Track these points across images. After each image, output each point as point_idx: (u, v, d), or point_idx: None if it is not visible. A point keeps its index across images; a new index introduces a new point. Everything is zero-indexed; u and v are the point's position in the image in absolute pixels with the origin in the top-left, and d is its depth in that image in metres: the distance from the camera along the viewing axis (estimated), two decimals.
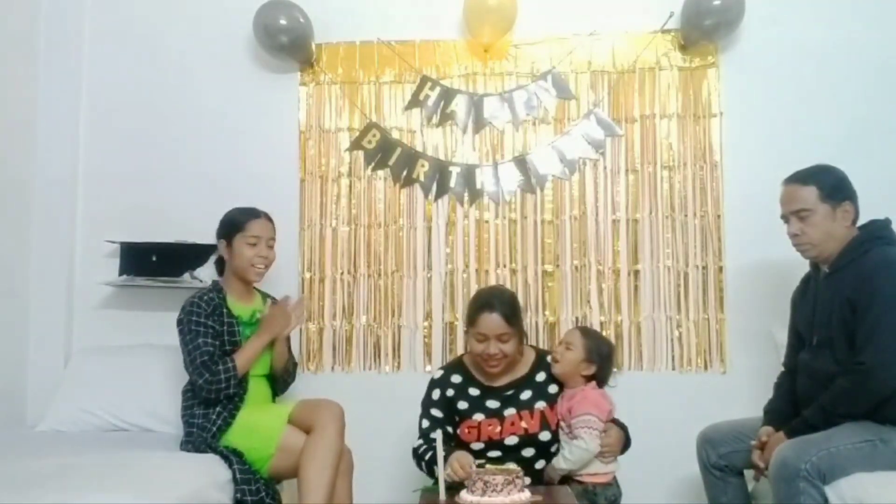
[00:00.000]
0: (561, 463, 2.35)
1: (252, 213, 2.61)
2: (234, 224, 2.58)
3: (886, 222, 2.31)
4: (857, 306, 2.17)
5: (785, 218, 2.35)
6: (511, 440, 2.42)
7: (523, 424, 2.43)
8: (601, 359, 2.45)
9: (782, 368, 2.51)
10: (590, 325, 3.03)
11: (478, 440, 2.43)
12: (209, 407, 2.43)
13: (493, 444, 2.43)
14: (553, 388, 2.50)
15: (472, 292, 3.01)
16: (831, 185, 2.28)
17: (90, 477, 2.01)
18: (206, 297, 2.51)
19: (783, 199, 2.35)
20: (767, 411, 2.43)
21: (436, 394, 2.54)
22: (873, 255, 2.21)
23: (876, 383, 2.11)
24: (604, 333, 2.98)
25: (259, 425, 2.41)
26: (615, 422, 2.46)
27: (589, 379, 2.44)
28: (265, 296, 2.72)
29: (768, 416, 2.40)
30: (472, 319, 2.46)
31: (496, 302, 2.44)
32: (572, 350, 2.44)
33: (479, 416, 2.45)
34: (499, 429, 2.43)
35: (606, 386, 2.49)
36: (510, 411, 2.45)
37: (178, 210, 3.19)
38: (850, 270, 2.23)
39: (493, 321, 2.41)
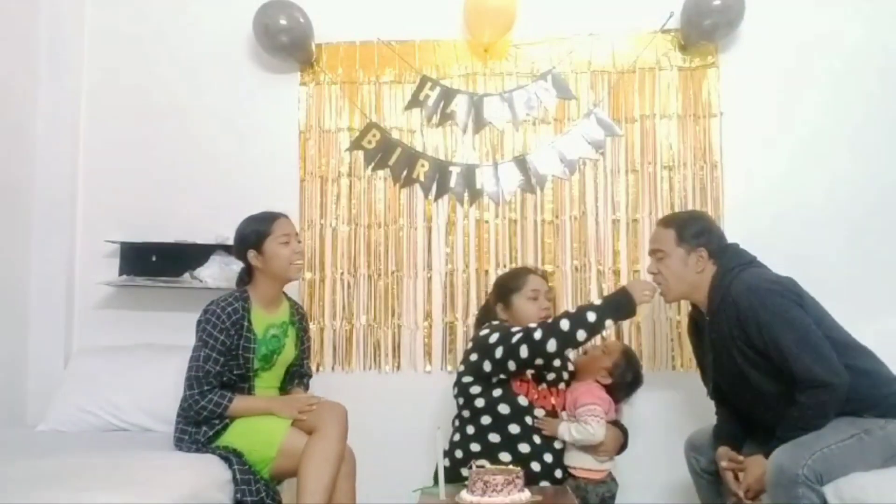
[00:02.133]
0: (565, 432, 2.40)
1: (272, 216, 2.54)
2: (259, 231, 2.49)
3: (734, 247, 2.37)
4: (755, 343, 2.19)
5: (651, 255, 2.45)
6: (539, 412, 2.47)
7: (552, 400, 2.51)
8: (621, 381, 2.53)
9: (712, 401, 2.50)
10: None
11: (526, 395, 2.47)
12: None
13: (529, 407, 2.46)
14: (565, 375, 2.58)
15: (473, 292, 3.04)
16: (689, 231, 2.36)
17: (90, 477, 2.01)
18: (229, 308, 2.42)
19: (650, 238, 2.49)
20: (718, 433, 2.41)
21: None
22: (735, 287, 2.24)
23: (837, 390, 2.11)
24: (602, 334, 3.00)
25: (261, 427, 2.40)
26: (615, 423, 2.50)
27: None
28: (293, 303, 2.67)
29: (720, 438, 2.39)
30: (519, 284, 2.62)
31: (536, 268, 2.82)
32: (605, 355, 2.54)
33: (527, 376, 2.49)
34: (536, 395, 2.49)
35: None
36: (542, 385, 2.52)
37: (178, 210, 3.19)
38: (725, 312, 2.25)
39: (540, 280, 2.65)
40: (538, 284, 2.61)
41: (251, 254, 2.50)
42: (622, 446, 2.50)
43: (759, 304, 2.18)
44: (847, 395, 2.12)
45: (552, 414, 2.49)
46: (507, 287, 2.65)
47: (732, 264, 2.30)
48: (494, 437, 2.43)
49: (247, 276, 2.56)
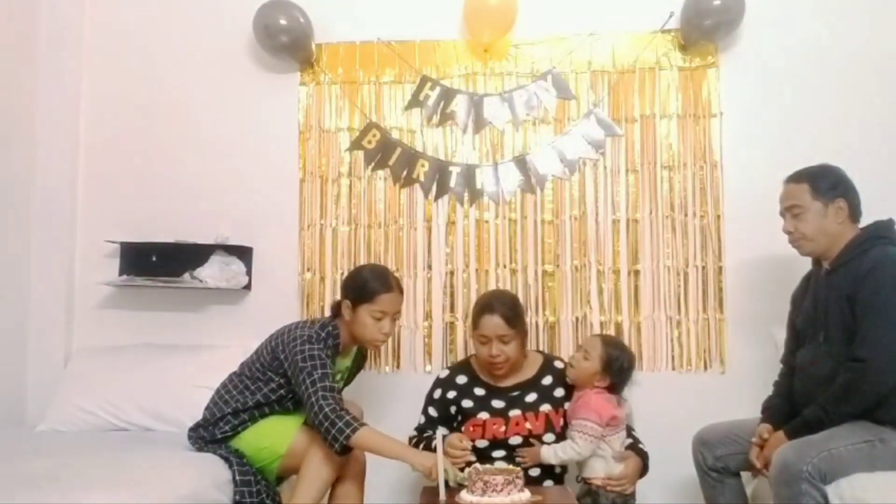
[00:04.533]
0: (550, 456, 2.37)
1: (385, 285, 2.42)
2: (363, 292, 2.40)
3: (889, 223, 2.32)
4: (857, 303, 2.18)
5: (782, 215, 2.40)
6: (515, 440, 2.46)
7: (528, 425, 2.48)
8: (618, 373, 2.44)
9: (781, 366, 2.52)
10: (589, 326, 3.03)
11: (482, 438, 2.47)
12: (240, 412, 2.40)
13: (497, 443, 2.47)
14: (559, 392, 2.54)
15: (473, 292, 3.05)
16: (824, 184, 2.32)
17: (90, 477, 2.01)
18: (327, 343, 2.36)
19: (780, 196, 2.41)
20: (766, 408, 2.44)
21: (437, 393, 2.60)
22: (873, 254, 2.22)
23: (875, 381, 2.11)
24: (602, 333, 2.98)
25: (274, 425, 2.41)
26: (635, 449, 2.45)
27: (599, 387, 2.45)
28: (361, 348, 2.65)
29: (766, 413, 2.41)
30: (474, 322, 2.53)
31: (496, 304, 2.50)
32: (589, 360, 2.43)
33: (483, 415, 2.50)
34: (503, 428, 2.47)
35: (619, 395, 2.48)
36: (515, 412, 2.49)
37: (178, 210, 3.19)
38: (849, 268, 2.24)
39: (493, 323, 2.46)
40: (489, 330, 2.46)
41: (345, 303, 2.44)
42: (642, 473, 2.45)
43: (885, 275, 2.16)
44: (880, 397, 2.11)
45: (532, 439, 2.45)
46: (472, 319, 2.58)
47: (881, 234, 2.27)
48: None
49: (336, 310, 2.51)
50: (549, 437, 2.46)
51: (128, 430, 2.80)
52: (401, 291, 2.50)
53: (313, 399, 2.24)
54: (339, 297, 2.55)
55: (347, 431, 2.20)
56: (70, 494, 1.85)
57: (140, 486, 1.98)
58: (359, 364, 2.69)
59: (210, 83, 3.25)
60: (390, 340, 3.09)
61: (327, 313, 3.08)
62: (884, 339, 2.12)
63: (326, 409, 2.22)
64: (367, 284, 2.42)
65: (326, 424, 2.21)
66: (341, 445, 2.21)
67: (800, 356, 2.37)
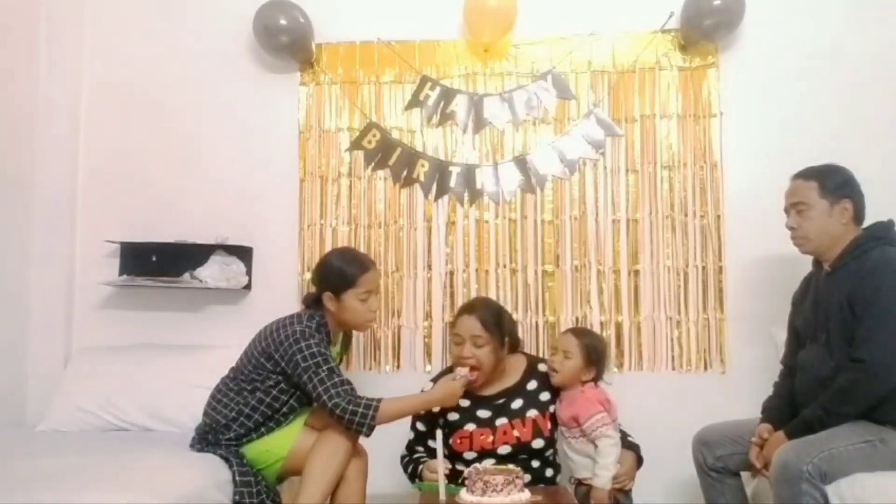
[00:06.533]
0: (604, 474, 2.31)
1: (362, 266, 2.44)
2: (344, 279, 2.41)
3: (889, 224, 2.32)
4: (857, 304, 2.18)
5: (786, 211, 2.40)
6: (504, 449, 2.44)
7: (515, 433, 2.45)
8: (600, 359, 2.46)
9: (781, 367, 2.52)
10: (590, 326, 3.02)
11: (470, 450, 2.45)
12: (243, 417, 2.38)
13: (486, 453, 2.44)
14: (545, 396, 2.52)
15: (473, 292, 3.06)
16: (832, 183, 2.32)
17: (90, 477, 2.01)
18: (320, 335, 2.38)
19: (787, 192, 2.41)
20: (766, 408, 2.44)
21: None
22: (874, 255, 2.23)
23: (875, 381, 2.11)
24: (602, 333, 2.99)
25: (277, 430, 2.41)
26: (626, 443, 2.44)
27: (587, 381, 2.45)
28: (346, 336, 2.65)
29: (766, 413, 2.41)
30: (453, 321, 2.55)
31: (478, 306, 2.52)
32: (571, 358, 2.43)
33: (470, 427, 2.47)
34: (491, 438, 2.45)
35: (602, 382, 2.49)
36: (502, 420, 2.46)
37: (178, 210, 3.19)
38: (850, 269, 2.25)
39: (469, 323, 2.46)
40: (464, 330, 2.46)
41: (327, 296, 2.43)
42: (638, 465, 2.45)
43: (886, 276, 2.16)
44: (880, 398, 2.12)
45: (521, 446, 2.43)
46: (453, 319, 2.60)
47: (881, 235, 2.27)
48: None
49: (316, 304, 2.48)
50: (537, 442, 2.44)
51: (128, 430, 2.80)
52: (375, 266, 2.54)
53: (325, 397, 2.28)
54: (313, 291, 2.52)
55: (370, 414, 2.27)
56: (70, 494, 1.84)
57: (140, 486, 1.98)
58: (346, 344, 2.68)
59: (210, 83, 3.25)
60: (390, 340, 3.11)
61: None
62: (884, 340, 2.12)
63: (343, 404, 2.27)
64: (345, 272, 2.43)
65: (348, 416, 2.27)
66: (368, 428, 2.28)
67: (801, 357, 2.37)
